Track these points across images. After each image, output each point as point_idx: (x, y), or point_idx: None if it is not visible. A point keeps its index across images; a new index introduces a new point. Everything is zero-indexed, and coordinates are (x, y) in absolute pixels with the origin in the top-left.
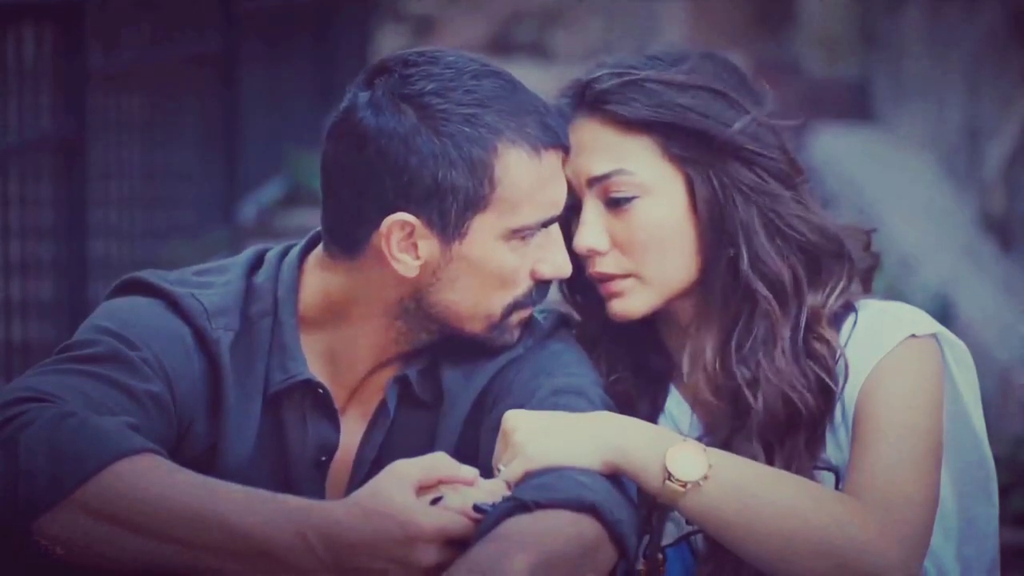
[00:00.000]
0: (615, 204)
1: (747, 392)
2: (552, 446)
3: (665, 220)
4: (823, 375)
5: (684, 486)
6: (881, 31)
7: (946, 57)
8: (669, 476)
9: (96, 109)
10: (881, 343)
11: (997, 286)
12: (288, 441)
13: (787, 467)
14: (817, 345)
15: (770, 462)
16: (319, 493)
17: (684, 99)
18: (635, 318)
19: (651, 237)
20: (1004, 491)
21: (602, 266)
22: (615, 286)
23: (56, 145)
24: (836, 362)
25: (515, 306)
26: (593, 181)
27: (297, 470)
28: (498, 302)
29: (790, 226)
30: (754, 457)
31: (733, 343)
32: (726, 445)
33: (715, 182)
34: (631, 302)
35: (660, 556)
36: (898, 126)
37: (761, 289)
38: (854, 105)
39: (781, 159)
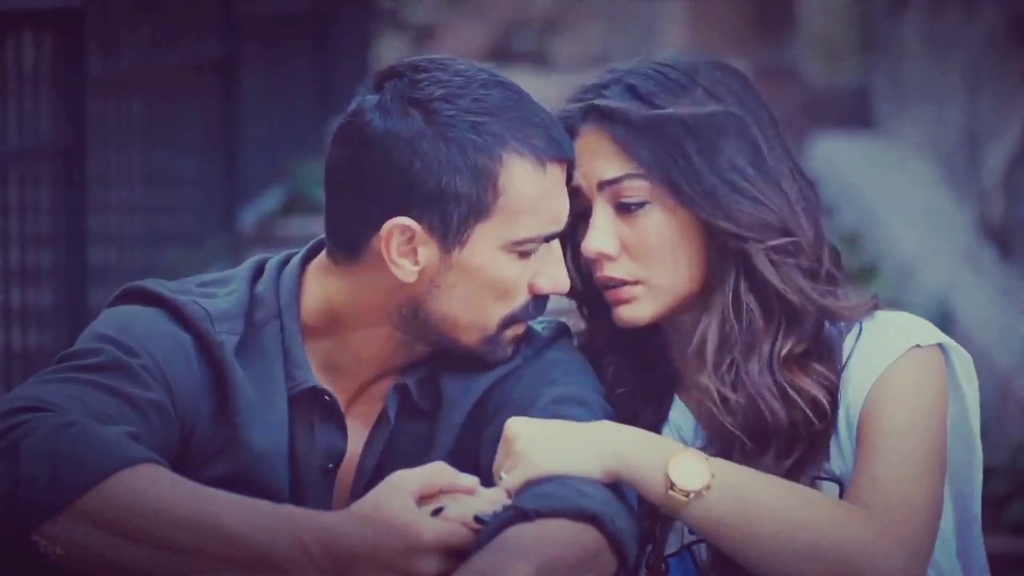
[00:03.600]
0: (625, 209)
1: (725, 398)
2: (554, 454)
3: (674, 227)
4: (811, 396)
5: (687, 495)
6: (881, 36)
7: (946, 62)
8: (672, 486)
9: (96, 115)
10: (885, 354)
11: (996, 292)
12: (296, 448)
13: (784, 476)
14: (799, 374)
15: (768, 471)
16: (327, 500)
17: (700, 143)
18: (641, 325)
19: (662, 243)
20: (1003, 499)
21: (611, 271)
22: (623, 292)
23: (56, 151)
24: (835, 381)
25: (511, 319)
26: (604, 185)
27: (305, 477)
28: (495, 314)
29: (765, 285)
30: (755, 466)
31: (723, 350)
32: (727, 453)
33: (713, 216)
34: (638, 309)
35: (663, 566)
36: (898, 131)
37: (750, 301)
38: (854, 111)
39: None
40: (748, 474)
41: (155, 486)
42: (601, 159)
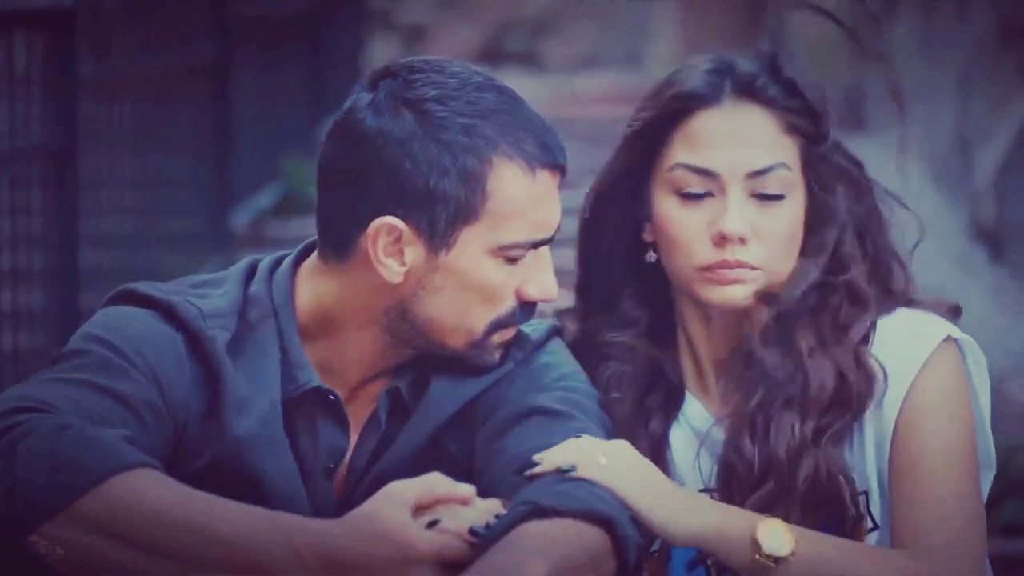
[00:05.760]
0: (767, 198)
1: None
2: (650, 498)
3: (798, 220)
4: (864, 371)
5: (774, 561)
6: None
7: (938, 64)
8: (759, 551)
9: (87, 117)
10: (919, 347)
11: (988, 293)
12: (300, 450)
13: (813, 448)
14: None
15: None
16: (328, 501)
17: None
18: (736, 307)
19: (793, 234)
20: (995, 501)
21: (743, 255)
22: (740, 274)
23: (47, 153)
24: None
25: (498, 324)
26: (755, 175)
27: (308, 478)
28: (480, 318)
29: (878, 253)
30: (789, 429)
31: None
32: (751, 419)
33: (828, 198)
34: (746, 291)
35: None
36: (889, 133)
37: (841, 281)
38: (845, 113)
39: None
40: (825, 540)
41: (152, 490)
42: (750, 146)
